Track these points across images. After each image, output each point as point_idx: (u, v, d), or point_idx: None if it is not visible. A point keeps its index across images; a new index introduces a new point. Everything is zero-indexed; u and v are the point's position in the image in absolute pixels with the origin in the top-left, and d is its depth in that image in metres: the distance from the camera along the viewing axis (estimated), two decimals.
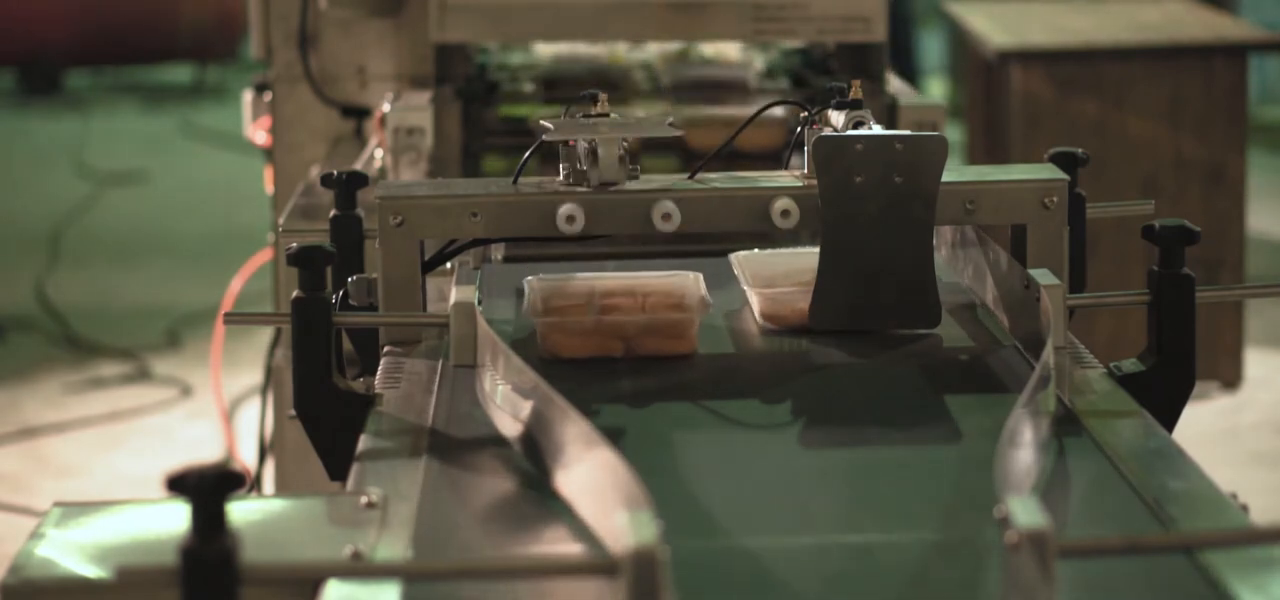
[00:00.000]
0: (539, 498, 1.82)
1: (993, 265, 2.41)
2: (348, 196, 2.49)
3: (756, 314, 2.41)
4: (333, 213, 2.48)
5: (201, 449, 5.57)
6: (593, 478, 1.70)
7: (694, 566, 1.67)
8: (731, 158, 2.67)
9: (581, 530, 1.72)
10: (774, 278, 2.44)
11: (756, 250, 2.54)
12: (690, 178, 2.38)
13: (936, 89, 10.48)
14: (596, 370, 2.25)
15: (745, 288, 2.45)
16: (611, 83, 3.89)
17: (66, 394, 6.16)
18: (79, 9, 11.34)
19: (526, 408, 1.90)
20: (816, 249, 2.34)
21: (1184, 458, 1.91)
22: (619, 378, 2.22)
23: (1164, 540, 1.70)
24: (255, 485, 4.39)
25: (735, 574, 1.68)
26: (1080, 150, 2.48)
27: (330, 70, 3.98)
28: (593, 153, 2.31)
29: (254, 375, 5.66)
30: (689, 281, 2.33)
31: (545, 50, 4.18)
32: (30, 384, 6.25)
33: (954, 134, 7.71)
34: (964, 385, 2.18)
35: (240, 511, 1.67)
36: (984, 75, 6.36)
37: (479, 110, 3.73)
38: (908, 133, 2.35)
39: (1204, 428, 5.53)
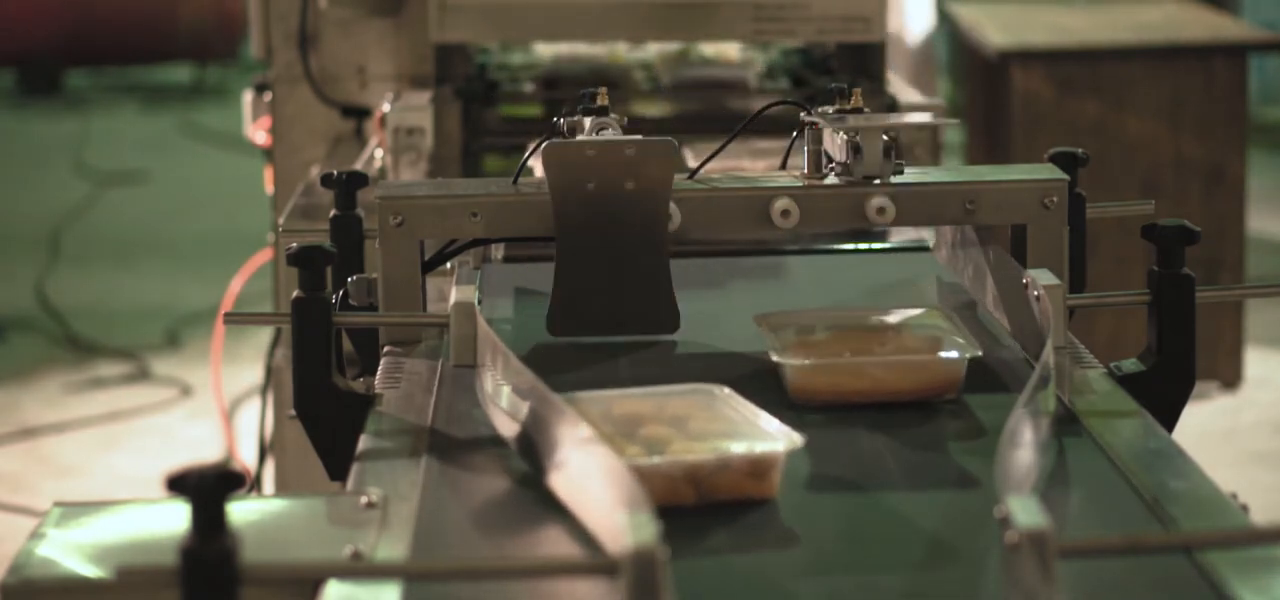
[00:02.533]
0: (539, 498, 1.82)
1: (993, 265, 2.41)
2: (348, 196, 2.49)
3: (788, 388, 2.11)
4: (333, 213, 2.48)
5: (201, 449, 5.57)
6: (592, 478, 1.70)
7: (691, 564, 1.67)
8: None
9: (581, 530, 1.72)
10: (807, 347, 2.15)
11: (784, 311, 2.28)
12: (690, 178, 2.38)
13: (937, 89, 10.47)
14: (594, 366, 2.25)
15: (776, 358, 2.13)
16: (611, 83, 3.89)
17: (66, 394, 6.16)
18: (79, 9, 11.34)
19: (526, 408, 1.90)
20: (854, 310, 2.30)
21: (1184, 458, 1.91)
22: (618, 373, 2.22)
23: (1164, 540, 1.70)
24: (255, 485, 4.39)
25: (732, 569, 1.68)
26: (1080, 150, 2.48)
27: (330, 70, 3.98)
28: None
29: (254, 375, 5.67)
30: (773, 430, 1.88)
31: (545, 50, 4.18)
32: (30, 384, 6.25)
33: (954, 134, 7.71)
34: (964, 385, 2.18)
35: (240, 511, 1.67)
36: (984, 75, 6.36)
37: (479, 110, 3.73)
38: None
39: (1204, 428, 5.53)
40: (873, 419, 2.04)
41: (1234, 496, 1.81)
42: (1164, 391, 2.16)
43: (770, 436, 1.84)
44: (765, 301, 2.59)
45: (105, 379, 6.30)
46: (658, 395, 1.96)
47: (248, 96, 4.12)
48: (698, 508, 1.77)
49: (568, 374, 2.19)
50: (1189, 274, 2.17)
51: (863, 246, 2.90)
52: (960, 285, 2.54)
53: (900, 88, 3.76)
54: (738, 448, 1.82)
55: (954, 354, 2.11)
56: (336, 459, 2.10)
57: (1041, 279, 2.20)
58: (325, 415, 2.13)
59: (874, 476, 1.90)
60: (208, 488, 1.44)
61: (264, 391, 4.28)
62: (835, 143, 2.35)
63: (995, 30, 6.08)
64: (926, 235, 2.83)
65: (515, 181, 2.35)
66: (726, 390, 1.96)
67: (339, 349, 2.16)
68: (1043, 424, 1.91)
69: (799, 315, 2.26)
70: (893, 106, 3.56)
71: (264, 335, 5.12)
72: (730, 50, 4.18)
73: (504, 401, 1.98)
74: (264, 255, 4.61)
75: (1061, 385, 2.08)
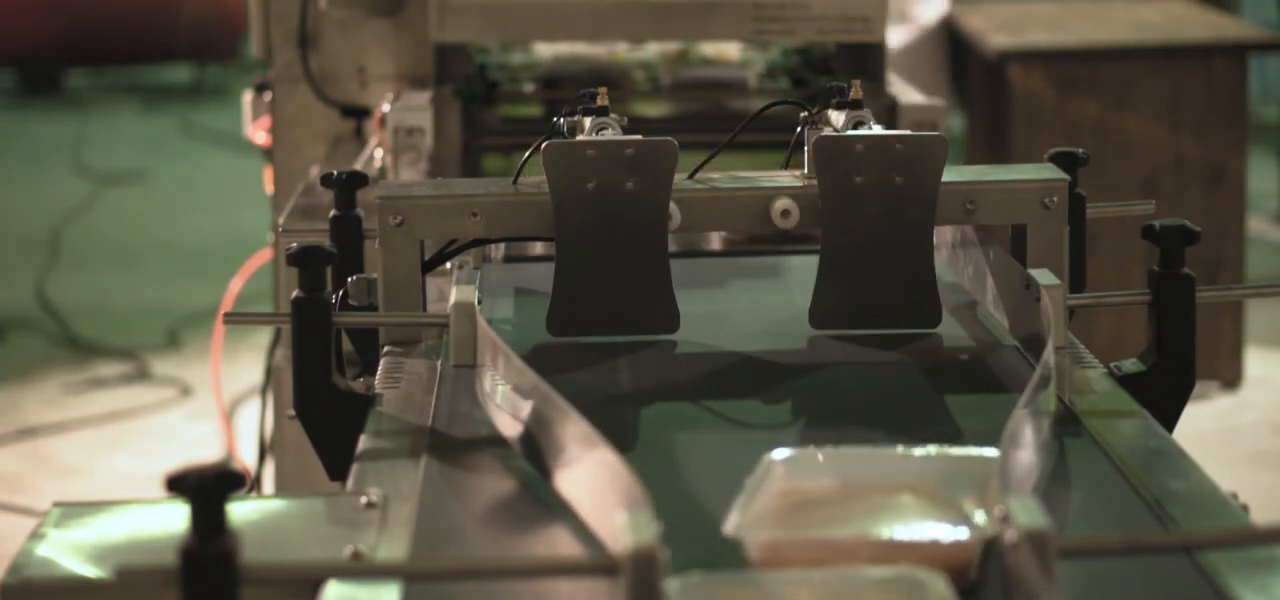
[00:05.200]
0: (539, 498, 1.82)
1: (993, 265, 2.41)
2: (348, 196, 2.49)
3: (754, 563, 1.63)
4: (333, 213, 2.48)
5: (201, 449, 5.57)
6: (593, 478, 1.70)
7: (692, 566, 1.66)
8: None
9: (581, 530, 1.72)
10: (787, 509, 1.67)
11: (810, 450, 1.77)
12: (690, 178, 2.38)
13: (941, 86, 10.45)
14: (594, 366, 2.25)
15: (729, 531, 1.65)
16: (611, 83, 3.89)
17: (66, 394, 6.16)
18: (79, 9, 11.33)
19: (526, 408, 1.90)
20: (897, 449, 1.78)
21: (1184, 458, 1.91)
22: (618, 373, 2.22)
23: (1164, 540, 1.69)
24: (255, 485, 4.39)
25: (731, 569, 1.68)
26: (1080, 150, 2.48)
27: (330, 70, 3.98)
28: None
29: (254, 375, 5.66)
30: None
31: (545, 50, 4.18)
32: (30, 384, 6.25)
33: (954, 134, 7.71)
34: (964, 385, 2.18)
35: (240, 511, 1.67)
36: (984, 75, 6.36)
37: (479, 110, 3.73)
38: (908, 133, 2.35)
39: (1204, 428, 5.53)
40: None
41: (1234, 496, 1.81)
42: (1164, 391, 2.16)
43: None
44: (765, 301, 2.59)
45: (105, 379, 6.29)
46: (857, 583, 1.52)
47: (248, 96, 4.12)
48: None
49: (568, 374, 2.20)
50: (1189, 274, 2.17)
51: None
52: (960, 285, 2.54)
53: (901, 89, 3.76)
54: None
55: (964, 533, 1.59)
56: (336, 459, 2.10)
57: (1042, 279, 2.20)
58: (325, 415, 2.13)
59: None
60: (208, 488, 1.44)
61: (264, 391, 4.28)
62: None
63: (995, 30, 6.08)
64: None
65: (515, 181, 2.36)
66: (939, 581, 1.49)
67: (339, 349, 2.16)
68: (1043, 424, 1.91)
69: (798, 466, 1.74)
70: (893, 107, 3.56)
71: (264, 335, 5.12)
72: (730, 50, 4.18)
73: (504, 401, 1.98)
74: (264, 255, 4.61)
75: (1061, 385, 2.08)
